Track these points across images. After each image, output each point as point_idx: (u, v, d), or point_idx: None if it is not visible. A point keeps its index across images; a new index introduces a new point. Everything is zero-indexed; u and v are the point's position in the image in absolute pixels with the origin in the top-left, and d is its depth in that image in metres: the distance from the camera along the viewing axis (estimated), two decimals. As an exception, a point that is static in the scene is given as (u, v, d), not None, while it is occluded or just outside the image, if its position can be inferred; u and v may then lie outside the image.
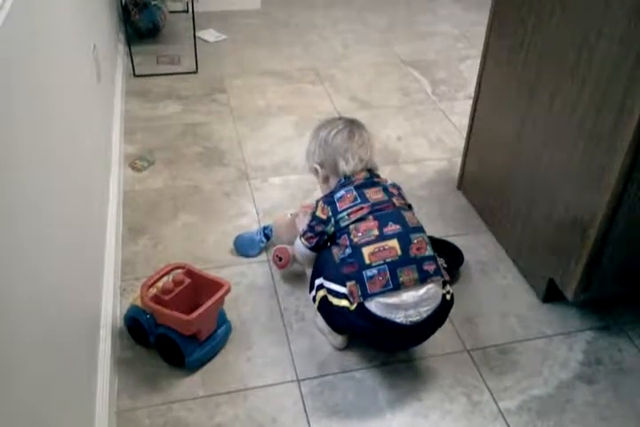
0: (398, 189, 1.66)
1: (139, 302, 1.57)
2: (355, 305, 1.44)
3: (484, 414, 1.48)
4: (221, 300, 1.55)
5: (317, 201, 1.62)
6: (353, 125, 1.71)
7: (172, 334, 1.51)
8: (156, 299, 1.54)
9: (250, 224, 2.04)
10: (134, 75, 2.91)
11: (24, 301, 0.97)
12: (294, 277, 1.84)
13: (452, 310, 1.53)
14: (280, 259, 1.78)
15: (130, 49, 2.91)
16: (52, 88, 1.40)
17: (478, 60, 1.99)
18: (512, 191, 1.86)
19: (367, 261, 1.44)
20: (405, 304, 1.42)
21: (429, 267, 1.46)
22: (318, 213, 1.58)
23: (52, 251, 1.18)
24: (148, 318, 1.56)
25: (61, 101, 1.48)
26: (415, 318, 1.43)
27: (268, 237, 1.92)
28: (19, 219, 0.99)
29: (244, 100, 2.78)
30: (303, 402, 1.49)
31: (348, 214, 1.53)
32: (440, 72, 3.04)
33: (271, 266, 1.87)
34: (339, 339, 1.62)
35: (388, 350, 1.61)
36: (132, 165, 2.31)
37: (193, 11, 2.91)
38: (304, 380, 1.55)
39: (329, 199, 1.59)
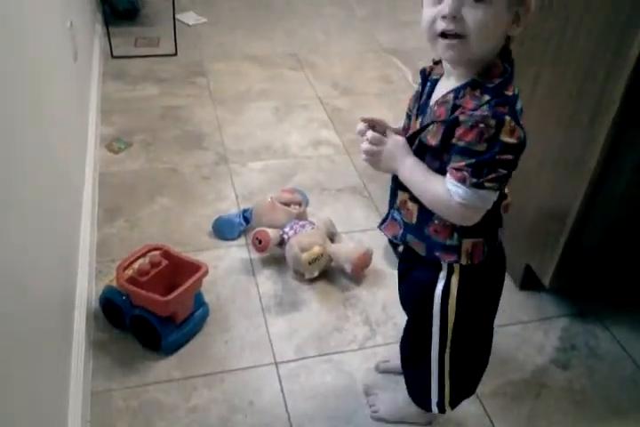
0: None
1: (114, 283, 1.55)
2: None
3: (461, 398, 1.49)
4: (199, 282, 1.54)
5: (488, 113, 0.91)
6: None
7: (148, 315, 1.49)
8: (133, 280, 1.52)
9: (229, 208, 2.02)
10: (112, 56, 2.86)
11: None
12: (273, 261, 1.82)
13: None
14: (259, 242, 1.77)
15: (108, 30, 2.85)
16: (26, 64, 1.36)
17: (461, 48, 1.99)
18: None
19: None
20: None
21: None
22: (505, 136, 0.92)
23: (24, 231, 1.15)
24: (124, 299, 1.53)
25: (35, 80, 1.44)
26: None
27: (247, 220, 1.91)
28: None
29: (224, 84, 2.74)
30: (281, 385, 1.48)
31: None
32: (422, 61, 3.01)
33: (250, 249, 1.85)
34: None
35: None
36: (108, 147, 2.27)
37: (173, -8, 2.87)
38: (281, 363, 1.54)
39: (512, 110, 0.93)
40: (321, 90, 2.75)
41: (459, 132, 0.93)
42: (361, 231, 1.96)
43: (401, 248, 1.86)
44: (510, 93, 0.95)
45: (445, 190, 0.97)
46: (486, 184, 0.94)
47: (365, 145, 1.06)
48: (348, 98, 2.70)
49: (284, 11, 3.49)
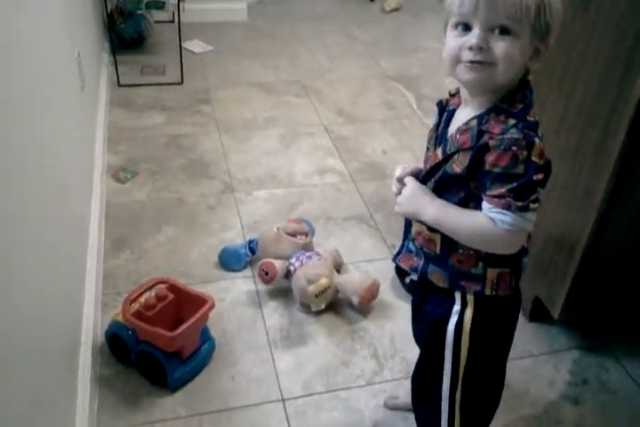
0: None
1: (120, 318, 1.54)
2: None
3: (471, 435, 1.47)
4: (205, 316, 1.52)
5: (519, 136, 0.92)
6: None
7: (154, 350, 1.48)
8: (139, 315, 1.51)
9: (234, 238, 2.01)
10: (119, 84, 2.88)
11: None
12: (279, 293, 1.81)
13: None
14: (266, 273, 1.76)
15: (114, 58, 2.88)
16: (34, 94, 1.36)
17: (466, 77, 1.99)
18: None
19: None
20: None
21: None
22: (535, 157, 0.93)
23: (30, 264, 1.15)
24: (130, 334, 1.52)
25: (43, 109, 1.44)
26: None
27: (253, 250, 1.90)
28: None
29: (230, 112, 2.75)
30: (288, 422, 1.46)
31: None
32: (425, 87, 3.05)
33: (256, 281, 1.84)
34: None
35: None
36: (114, 177, 2.28)
37: (179, 21, 2.89)
38: (289, 399, 1.52)
39: (537, 134, 0.95)
40: (326, 117, 2.76)
41: (491, 157, 0.93)
42: (367, 262, 1.95)
43: (408, 279, 1.85)
44: (532, 119, 0.96)
45: (486, 221, 0.96)
46: (531, 206, 0.94)
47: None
48: (353, 125, 2.71)
49: (288, 39, 3.52)
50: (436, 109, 1.11)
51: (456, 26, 0.94)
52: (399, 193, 1.09)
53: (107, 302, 1.74)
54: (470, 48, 0.92)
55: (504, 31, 0.91)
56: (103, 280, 1.81)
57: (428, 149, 1.11)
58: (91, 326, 1.60)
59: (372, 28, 3.73)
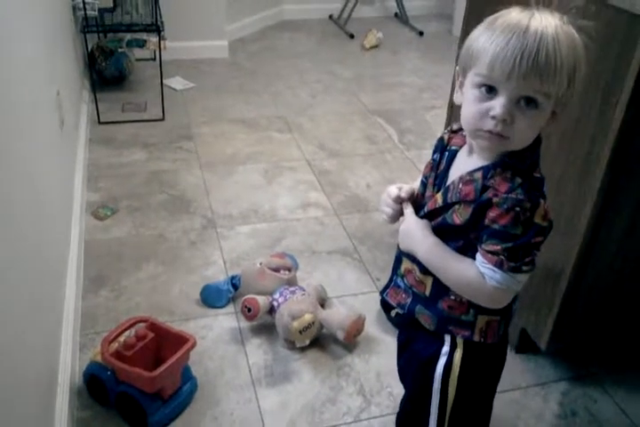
0: None
1: (99, 358, 1.49)
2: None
3: (462, 473, 1.42)
4: (186, 355, 1.49)
5: (524, 197, 0.90)
6: None
7: (133, 391, 1.44)
8: (118, 354, 1.47)
9: (217, 274, 1.98)
10: (99, 122, 2.88)
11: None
12: (263, 330, 1.78)
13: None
14: (249, 310, 1.72)
15: (95, 96, 2.88)
16: (12, 134, 1.35)
17: (444, 110, 2.01)
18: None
19: None
20: None
21: None
22: (538, 219, 0.92)
23: (4, 302, 1.11)
24: (109, 374, 1.48)
25: (21, 147, 1.43)
26: None
27: (235, 286, 1.87)
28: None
29: (212, 148, 2.76)
30: (273, 463, 1.42)
31: None
32: (406, 121, 3.08)
33: (239, 317, 1.81)
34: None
35: None
36: (94, 214, 2.25)
37: (160, 58, 2.92)
38: (274, 439, 1.48)
39: (543, 193, 0.94)
40: (308, 152, 2.77)
41: (492, 214, 0.91)
42: (352, 295, 1.93)
43: (394, 312, 1.83)
44: (539, 175, 0.95)
45: (478, 274, 0.95)
46: (523, 268, 0.93)
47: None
48: (336, 159, 2.72)
49: (269, 76, 3.56)
50: (434, 144, 1.08)
51: (479, 86, 0.90)
52: (392, 216, 1.07)
53: (85, 341, 1.70)
54: (493, 117, 0.88)
55: (531, 103, 0.88)
56: (81, 319, 1.77)
57: (423, 183, 1.08)
58: (68, 366, 1.55)
59: (353, 64, 3.79)
